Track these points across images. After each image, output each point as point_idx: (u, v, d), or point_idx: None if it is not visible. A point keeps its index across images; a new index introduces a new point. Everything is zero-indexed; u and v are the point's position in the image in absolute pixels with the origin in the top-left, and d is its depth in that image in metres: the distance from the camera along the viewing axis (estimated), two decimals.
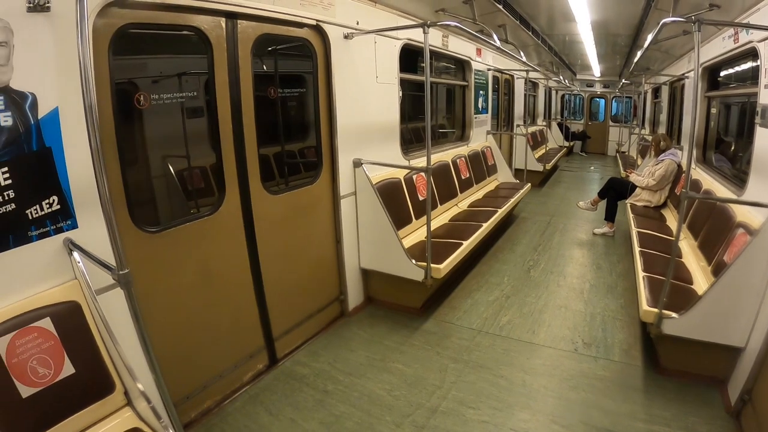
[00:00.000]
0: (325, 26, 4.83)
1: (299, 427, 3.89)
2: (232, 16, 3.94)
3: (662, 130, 12.56)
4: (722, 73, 7.60)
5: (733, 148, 7.44)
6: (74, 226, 2.85)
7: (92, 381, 2.74)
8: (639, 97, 15.04)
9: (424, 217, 5.74)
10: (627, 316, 5.58)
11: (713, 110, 7.89)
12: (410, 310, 5.74)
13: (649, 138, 10.93)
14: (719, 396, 4.10)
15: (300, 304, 5.05)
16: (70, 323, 2.72)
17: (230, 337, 4.28)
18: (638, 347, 4.92)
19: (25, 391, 2.46)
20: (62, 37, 2.66)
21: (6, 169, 2.49)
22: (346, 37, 5.12)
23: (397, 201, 6.05)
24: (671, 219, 7.40)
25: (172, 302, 3.71)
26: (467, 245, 6.10)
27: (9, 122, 2.48)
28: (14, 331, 2.49)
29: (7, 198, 2.51)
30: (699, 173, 7.16)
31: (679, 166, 7.81)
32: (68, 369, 2.63)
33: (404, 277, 5.40)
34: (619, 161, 15.18)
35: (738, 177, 6.10)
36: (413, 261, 5.30)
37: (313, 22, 4.71)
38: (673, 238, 4.23)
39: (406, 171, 6.37)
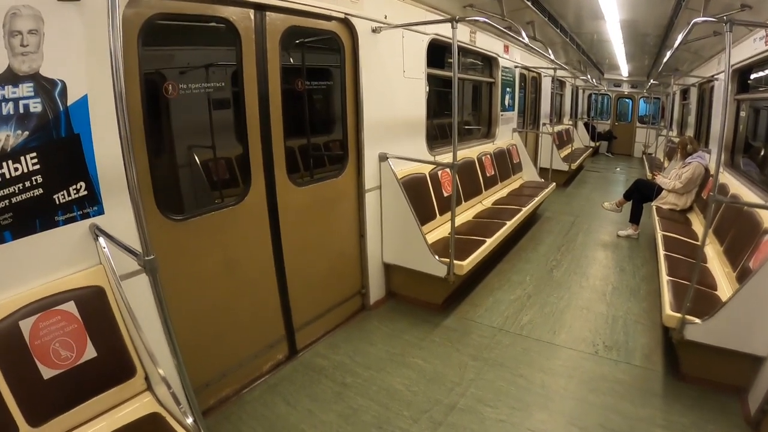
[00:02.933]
0: (354, 20, 4.83)
1: (317, 419, 3.92)
2: (261, 8, 3.96)
3: (690, 132, 12.43)
4: (752, 76, 7.50)
5: (762, 152, 7.36)
6: (101, 212, 2.89)
7: (113, 365, 2.79)
8: (667, 99, 14.86)
9: (448, 213, 5.72)
10: (649, 320, 5.53)
11: (742, 113, 7.79)
12: (431, 306, 5.74)
13: (677, 140, 10.80)
14: (739, 405, 4.05)
15: (321, 296, 5.09)
16: (94, 307, 2.76)
17: (251, 326, 4.32)
18: (659, 352, 4.88)
19: (47, 373, 2.51)
20: (92, 27, 2.69)
21: (34, 154, 2.53)
22: (374, 30, 5.11)
23: (421, 196, 6.04)
24: (697, 223, 7.31)
25: (194, 290, 3.75)
26: (490, 243, 6.08)
27: (38, 108, 2.52)
28: (38, 313, 2.54)
29: (34, 183, 2.56)
30: (726, 177, 7.06)
31: (707, 169, 7.70)
32: (90, 352, 2.68)
33: (427, 272, 5.40)
34: (646, 163, 15.01)
35: (766, 182, 6.03)
36: (436, 257, 5.29)
37: (342, 16, 4.72)
38: (698, 243, 4.17)
39: (432, 166, 6.36)
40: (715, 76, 9.56)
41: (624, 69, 18.41)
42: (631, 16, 8.91)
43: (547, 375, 4.52)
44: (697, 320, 4.03)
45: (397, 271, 5.87)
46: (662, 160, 12.82)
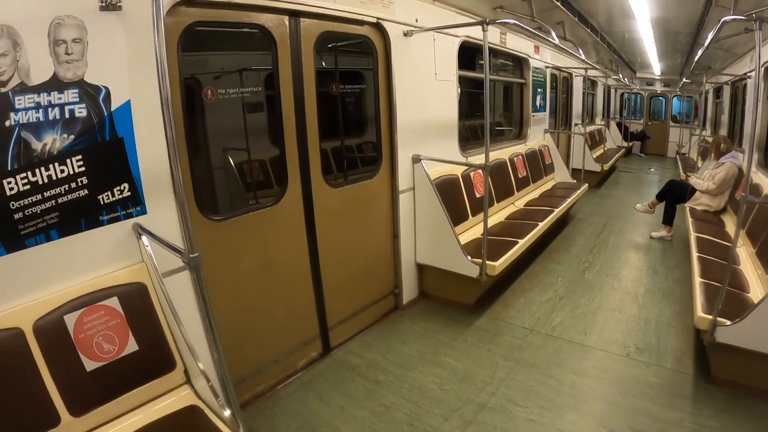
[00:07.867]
0: (385, 24, 4.88)
1: (349, 415, 3.99)
2: (295, 15, 4.04)
3: (724, 131, 12.26)
4: None
5: None
6: (143, 212, 3.02)
7: (154, 359, 2.91)
8: (700, 97, 14.63)
9: (481, 215, 5.75)
10: (682, 323, 5.46)
11: None
12: (463, 307, 5.76)
13: (710, 140, 10.65)
14: None
15: (355, 295, 5.15)
16: (136, 303, 2.89)
17: (286, 324, 4.40)
18: (691, 355, 4.82)
19: (90, 365, 2.64)
20: (133, 35, 2.81)
21: (80, 157, 2.65)
22: (405, 34, 5.16)
23: (454, 197, 6.06)
24: (731, 225, 7.18)
25: (232, 288, 3.84)
26: (522, 244, 6.08)
27: (83, 113, 2.64)
28: (83, 308, 2.67)
29: (80, 184, 2.68)
30: (760, 178, 6.97)
31: (740, 169, 7.56)
32: (132, 346, 2.80)
33: (459, 273, 5.42)
34: (679, 163, 14.77)
35: None
36: (469, 257, 5.31)
37: (374, 20, 4.77)
38: (731, 245, 4.14)
39: (464, 168, 6.39)
40: (748, 74, 9.42)
41: (656, 67, 18.23)
42: (662, 14, 8.87)
43: (577, 376, 4.52)
44: (727, 322, 3.99)
45: (430, 272, 5.89)
46: (696, 160, 12.63)
